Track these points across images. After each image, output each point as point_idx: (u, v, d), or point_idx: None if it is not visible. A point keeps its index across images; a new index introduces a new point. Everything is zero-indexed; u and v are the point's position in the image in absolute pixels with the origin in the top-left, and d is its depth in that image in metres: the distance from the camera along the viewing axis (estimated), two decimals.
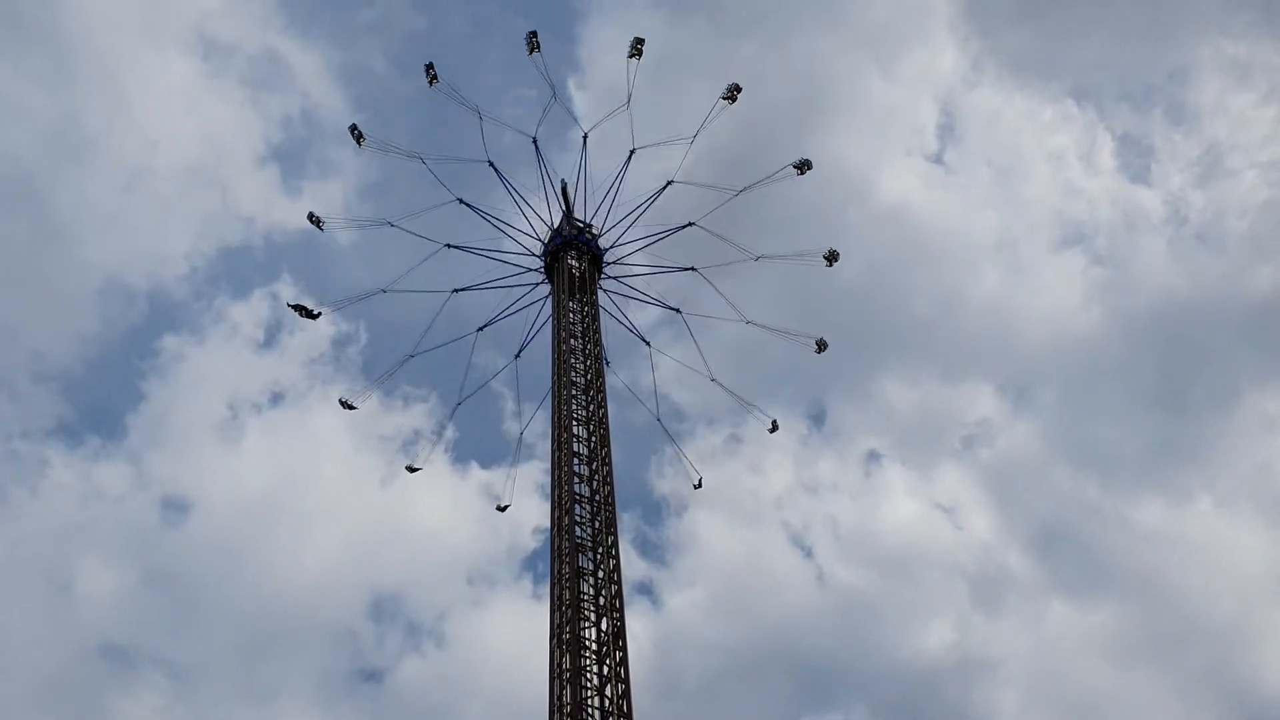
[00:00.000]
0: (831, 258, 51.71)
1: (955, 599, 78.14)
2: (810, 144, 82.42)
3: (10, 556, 70.35)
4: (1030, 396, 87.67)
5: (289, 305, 51.47)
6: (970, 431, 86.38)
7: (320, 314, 50.45)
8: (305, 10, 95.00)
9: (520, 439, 52.61)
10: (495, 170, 50.87)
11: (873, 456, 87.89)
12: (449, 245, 51.21)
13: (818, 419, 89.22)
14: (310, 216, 51.00)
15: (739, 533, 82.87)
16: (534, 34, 49.91)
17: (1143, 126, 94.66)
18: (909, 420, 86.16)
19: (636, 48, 51.12)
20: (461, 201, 50.93)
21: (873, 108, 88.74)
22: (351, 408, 51.02)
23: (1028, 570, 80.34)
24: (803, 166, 51.24)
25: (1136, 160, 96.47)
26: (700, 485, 52.78)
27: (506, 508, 52.27)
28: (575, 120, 52.06)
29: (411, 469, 52.43)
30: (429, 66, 50.07)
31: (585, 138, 51.36)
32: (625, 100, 50.23)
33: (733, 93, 50.67)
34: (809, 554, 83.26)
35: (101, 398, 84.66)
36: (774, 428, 52.72)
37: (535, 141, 51.07)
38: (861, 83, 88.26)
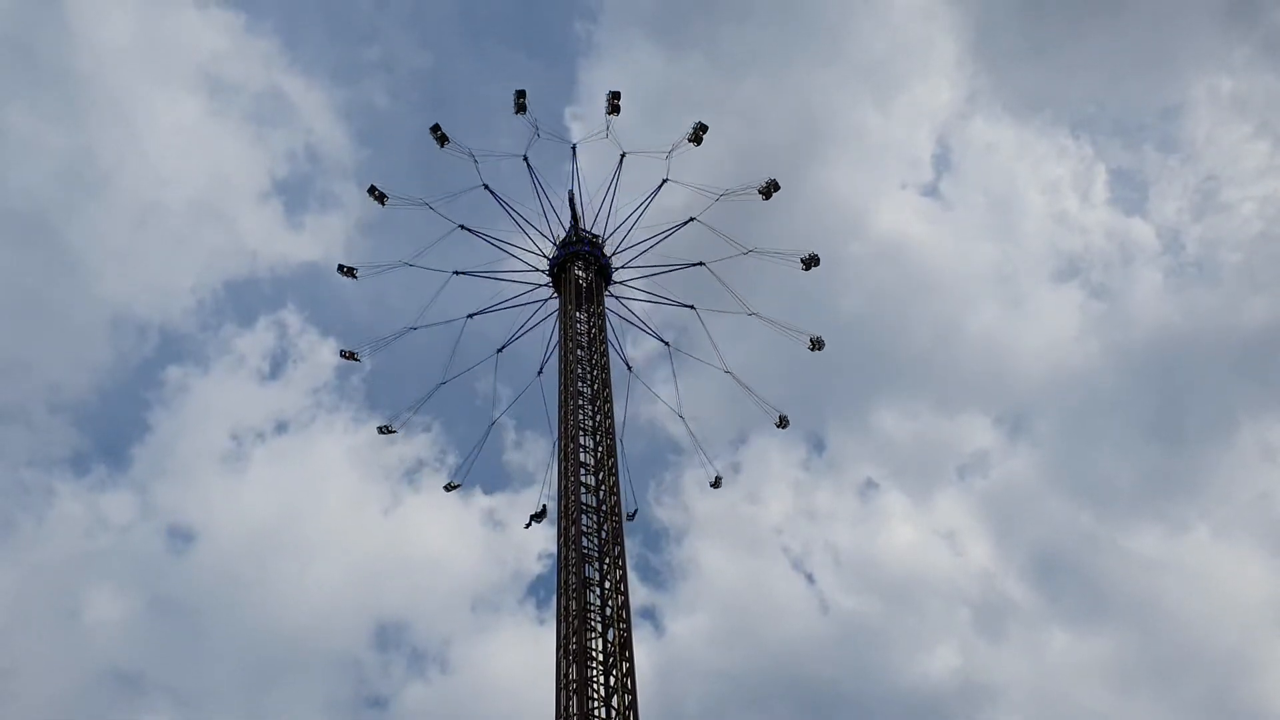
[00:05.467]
0: (809, 262, 51.10)
1: (957, 625, 77.96)
2: (809, 177, 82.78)
3: (19, 585, 71.80)
4: (1027, 428, 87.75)
5: (340, 353, 54.05)
6: (966, 462, 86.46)
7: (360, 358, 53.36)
8: (309, 50, 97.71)
9: (555, 448, 53.40)
10: (491, 192, 51.88)
11: (870, 485, 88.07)
12: (457, 272, 52.57)
13: (816, 448, 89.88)
14: (341, 268, 53.09)
15: (740, 560, 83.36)
16: (522, 93, 51.02)
17: (1138, 159, 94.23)
18: (906, 450, 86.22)
19: (613, 103, 51.32)
20: (462, 227, 52.12)
21: (871, 141, 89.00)
22: (391, 431, 53.03)
23: (1027, 597, 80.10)
24: (769, 189, 50.68)
25: (1132, 193, 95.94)
26: (718, 484, 53.02)
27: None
28: (562, 139, 52.83)
29: (450, 486, 54.03)
30: (435, 128, 51.17)
31: (574, 148, 52.10)
32: (605, 130, 51.41)
33: (698, 133, 50.43)
34: (811, 580, 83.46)
35: (113, 428, 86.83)
36: (783, 423, 52.25)
37: (526, 159, 51.86)
38: (859, 117, 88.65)
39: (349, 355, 53.10)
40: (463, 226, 52.13)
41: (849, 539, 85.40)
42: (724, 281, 52.18)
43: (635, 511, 53.14)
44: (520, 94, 50.95)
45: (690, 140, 50.51)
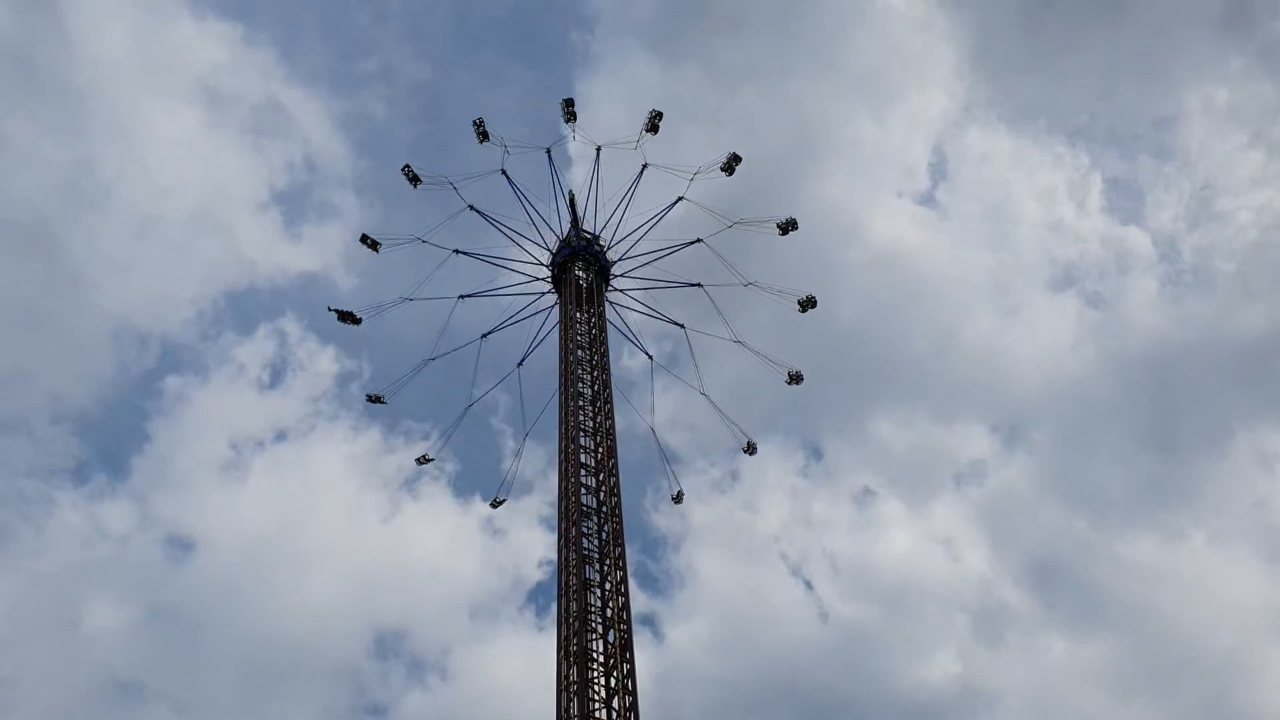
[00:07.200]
0: (806, 304, 51.90)
1: (955, 632, 78.72)
2: (805, 186, 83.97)
3: (19, 594, 71.56)
4: (1023, 436, 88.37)
5: (329, 309, 52.04)
6: (963, 470, 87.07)
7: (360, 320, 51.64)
8: (307, 61, 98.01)
9: (524, 441, 53.04)
10: (507, 178, 51.32)
11: (867, 493, 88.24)
12: (457, 251, 51.69)
13: (814, 456, 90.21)
14: (364, 239, 51.96)
15: (738, 567, 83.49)
16: (570, 101, 51.41)
17: (1133, 168, 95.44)
18: (903, 458, 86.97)
19: (654, 122, 51.25)
20: (472, 208, 51.46)
21: (867, 150, 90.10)
22: (381, 400, 52.13)
23: (1024, 604, 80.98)
24: (787, 227, 51.47)
25: (1128, 202, 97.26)
26: (680, 499, 53.25)
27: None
28: (590, 142, 52.65)
29: (424, 459, 53.29)
30: (478, 122, 51.22)
31: (599, 150, 51.87)
32: (635, 141, 51.70)
33: (731, 164, 50.94)
34: (809, 587, 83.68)
35: (113, 438, 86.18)
36: (751, 450, 53.12)
37: (548, 152, 51.66)
38: (855, 126, 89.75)
39: (351, 318, 51.32)
40: (471, 207, 51.62)
41: (847, 546, 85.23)
42: (718, 306, 52.69)
43: None
44: (569, 102, 51.28)
45: (723, 169, 50.89)
